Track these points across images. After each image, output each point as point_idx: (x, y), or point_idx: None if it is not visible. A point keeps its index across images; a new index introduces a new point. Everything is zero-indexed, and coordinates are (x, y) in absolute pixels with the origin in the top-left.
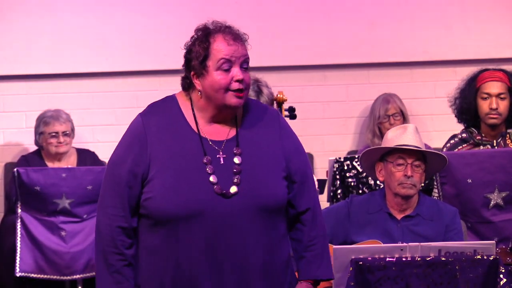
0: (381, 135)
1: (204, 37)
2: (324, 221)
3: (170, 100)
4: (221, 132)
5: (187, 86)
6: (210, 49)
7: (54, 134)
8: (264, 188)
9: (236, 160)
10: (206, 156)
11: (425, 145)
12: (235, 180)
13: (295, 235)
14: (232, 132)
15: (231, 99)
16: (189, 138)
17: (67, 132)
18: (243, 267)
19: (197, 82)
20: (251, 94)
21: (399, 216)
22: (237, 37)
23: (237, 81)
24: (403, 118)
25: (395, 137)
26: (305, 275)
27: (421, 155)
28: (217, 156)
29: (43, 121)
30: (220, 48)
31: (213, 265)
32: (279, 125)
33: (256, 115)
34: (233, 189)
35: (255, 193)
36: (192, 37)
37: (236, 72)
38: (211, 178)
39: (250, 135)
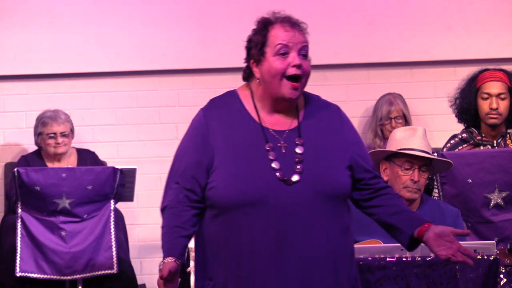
0: (383, 136)
1: (263, 26)
2: None
3: (230, 94)
4: (283, 122)
5: (247, 76)
6: (268, 35)
7: (52, 135)
8: (326, 176)
9: (298, 150)
10: (268, 143)
11: None
12: (297, 169)
13: (379, 202)
14: (294, 123)
15: (286, 89)
16: (251, 128)
17: (66, 133)
18: (306, 255)
19: (256, 70)
20: None
21: None
22: (295, 24)
23: (294, 66)
24: (405, 121)
25: (404, 138)
26: (419, 220)
27: (429, 160)
28: (278, 145)
29: (41, 121)
30: (277, 34)
31: (276, 253)
32: (341, 118)
33: (317, 108)
34: (295, 177)
35: (317, 181)
36: (252, 29)
37: (293, 57)
38: (273, 164)
39: (312, 126)
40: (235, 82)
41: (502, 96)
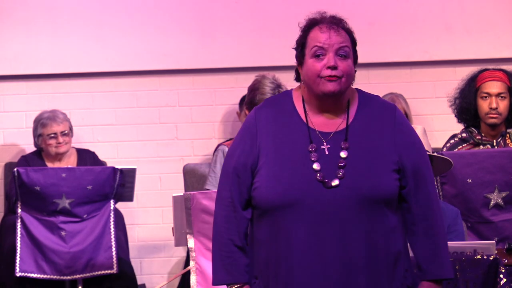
0: None
1: (305, 28)
2: (444, 227)
3: (285, 94)
4: (331, 124)
5: (297, 77)
6: (307, 38)
7: (52, 135)
8: (367, 180)
9: (343, 154)
10: (311, 144)
11: None
12: (339, 174)
13: (409, 240)
14: (343, 125)
15: (324, 85)
16: (298, 128)
17: (66, 132)
18: (344, 259)
19: (300, 72)
20: None
21: None
22: (332, 24)
23: (329, 67)
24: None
25: None
26: (423, 276)
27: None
28: (322, 147)
29: (40, 123)
30: (314, 36)
31: (314, 255)
32: (394, 119)
33: (371, 109)
34: (335, 182)
35: (358, 186)
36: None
37: (328, 59)
38: (315, 166)
39: (361, 128)
40: (236, 82)
41: (502, 95)
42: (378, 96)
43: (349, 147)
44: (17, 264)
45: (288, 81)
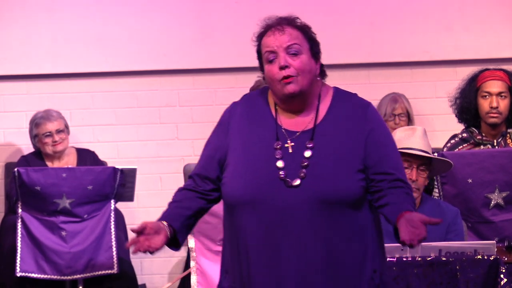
0: None
1: (258, 36)
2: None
3: (263, 91)
4: (300, 123)
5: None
6: (261, 46)
7: (48, 134)
8: (328, 182)
9: (307, 153)
10: (277, 142)
11: None
12: (301, 174)
13: (385, 201)
14: (311, 125)
15: (284, 88)
16: (267, 125)
17: (61, 129)
18: (301, 260)
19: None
20: None
21: None
22: (280, 25)
23: (280, 68)
24: (409, 119)
25: (403, 138)
26: (401, 209)
27: (427, 160)
28: (286, 145)
29: (34, 123)
30: (265, 42)
31: (271, 253)
32: (365, 117)
33: (343, 107)
34: (297, 182)
35: (318, 187)
36: None
37: (279, 60)
38: (279, 163)
39: (330, 127)
40: (236, 82)
41: (503, 95)
42: (354, 94)
43: (314, 147)
44: (18, 264)
45: None
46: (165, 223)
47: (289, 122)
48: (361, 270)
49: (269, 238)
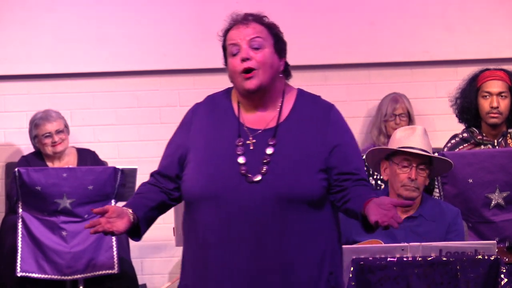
0: (386, 133)
1: (224, 32)
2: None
3: (226, 91)
4: (262, 121)
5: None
6: (225, 41)
7: (47, 134)
8: (288, 179)
9: (269, 150)
10: (239, 139)
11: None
12: (263, 171)
13: (347, 197)
14: (273, 122)
15: (243, 83)
16: (229, 124)
17: (60, 130)
18: (258, 257)
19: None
20: None
21: (402, 217)
22: (244, 19)
23: (242, 60)
24: (409, 119)
25: (403, 138)
26: (367, 197)
27: (427, 159)
28: (247, 142)
29: (34, 124)
30: (229, 36)
31: (228, 248)
32: (328, 118)
33: (306, 108)
34: (258, 178)
35: (279, 184)
36: None
37: (241, 52)
38: (240, 159)
39: (293, 126)
40: None
41: (503, 95)
42: (318, 96)
43: (276, 144)
44: (18, 264)
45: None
46: (129, 210)
47: (251, 119)
48: (319, 271)
49: (228, 233)
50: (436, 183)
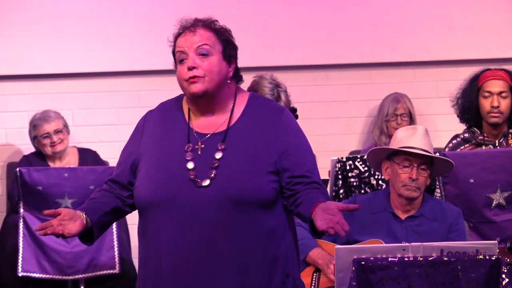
0: (388, 133)
1: (174, 38)
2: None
3: (178, 98)
4: (211, 126)
5: None
6: (175, 47)
7: (46, 135)
8: (237, 182)
9: (218, 155)
10: (188, 144)
11: None
12: (211, 175)
13: (299, 201)
14: (223, 127)
15: (189, 87)
16: (180, 129)
17: (59, 129)
18: (210, 260)
19: None
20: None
21: (403, 216)
22: (192, 26)
23: (188, 68)
24: (411, 119)
25: (404, 138)
26: (315, 202)
27: (428, 159)
28: (196, 147)
29: (33, 125)
30: (177, 43)
31: (180, 257)
32: (280, 121)
33: (257, 111)
34: (206, 182)
35: (228, 188)
36: None
37: (188, 60)
38: (189, 165)
39: (243, 130)
40: None
41: (503, 94)
42: (271, 100)
43: (225, 149)
44: (19, 264)
45: (286, 80)
46: (82, 213)
47: (201, 124)
48: (271, 273)
49: (180, 238)
50: (438, 183)
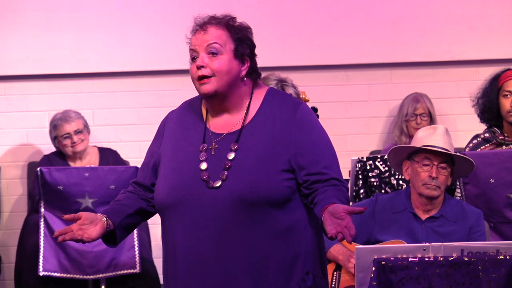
0: (408, 133)
1: (190, 35)
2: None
3: (198, 97)
4: (226, 125)
5: None
6: (190, 45)
7: (66, 135)
8: (248, 183)
9: (231, 156)
10: (203, 144)
11: None
12: (223, 176)
13: (317, 199)
14: (238, 126)
15: (200, 88)
16: (197, 129)
17: (79, 130)
18: (223, 261)
19: None
20: None
21: (423, 217)
22: (204, 25)
23: (197, 67)
24: (431, 119)
25: (424, 137)
26: (325, 203)
27: (449, 157)
28: (210, 147)
29: (53, 125)
30: (191, 41)
31: (193, 258)
32: (294, 117)
33: (273, 108)
34: (218, 183)
35: (238, 188)
36: None
37: (198, 59)
38: (202, 165)
39: (257, 128)
40: None
41: None
42: (288, 95)
43: (238, 149)
44: (40, 264)
45: (306, 80)
46: (103, 216)
47: (217, 124)
48: (290, 271)
49: (193, 240)
50: (458, 183)
